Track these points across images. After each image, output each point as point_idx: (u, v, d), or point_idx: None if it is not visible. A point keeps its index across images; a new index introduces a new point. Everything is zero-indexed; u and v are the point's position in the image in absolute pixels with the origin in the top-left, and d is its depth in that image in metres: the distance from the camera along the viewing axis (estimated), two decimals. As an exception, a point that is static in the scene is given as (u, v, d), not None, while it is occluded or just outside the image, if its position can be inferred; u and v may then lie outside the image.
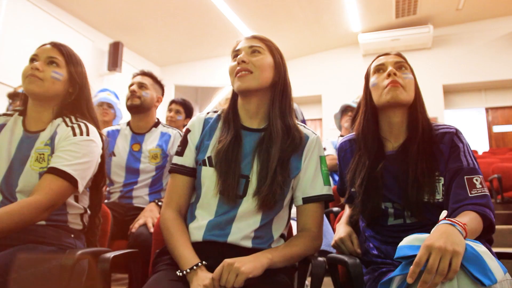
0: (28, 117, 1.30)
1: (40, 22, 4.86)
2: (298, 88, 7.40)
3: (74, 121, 1.29)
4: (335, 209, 2.15)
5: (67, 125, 1.27)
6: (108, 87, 4.13)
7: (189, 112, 3.01)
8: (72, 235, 1.25)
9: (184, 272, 1.02)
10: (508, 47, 6.23)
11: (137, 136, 1.99)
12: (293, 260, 1.11)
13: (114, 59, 5.71)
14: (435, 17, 6.44)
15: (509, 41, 6.25)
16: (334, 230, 1.52)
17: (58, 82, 1.27)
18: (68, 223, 1.26)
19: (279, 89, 1.21)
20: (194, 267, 1.02)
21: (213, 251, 1.10)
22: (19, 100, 2.12)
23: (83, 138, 1.23)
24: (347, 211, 1.42)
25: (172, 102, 2.94)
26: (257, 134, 1.20)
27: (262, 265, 1.00)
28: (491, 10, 6.16)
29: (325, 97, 7.29)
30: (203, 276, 0.99)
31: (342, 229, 1.31)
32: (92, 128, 1.28)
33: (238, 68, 1.17)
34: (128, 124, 2.05)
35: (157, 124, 2.06)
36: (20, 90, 2.18)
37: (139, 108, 1.95)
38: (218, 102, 2.15)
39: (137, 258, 1.30)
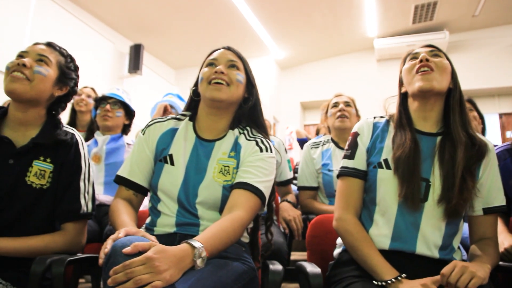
0: (201, 124, 1.25)
1: (64, 23, 4.74)
2: (312, 92, 7.43)
3: (251, 134, 1.25)
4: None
5: (247, 138, 1.22)
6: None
7: None
8: (243, 249, 1.21)
9: (389, 281, 1.00)
10: (522, 53, 6.37)
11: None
12: None
13: (136, 61, 5.60)
14: (450, 23, 6.54)
15: (523, 47, 6.40)
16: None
17: (241, 85, 1.23)
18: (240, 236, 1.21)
19: (456, 98, 1.20)
20: (399, 277, 1.00)
21: (399, 260, 1.08)
22: (107, 104, 2.06)
23: (269, 155, 1.20)
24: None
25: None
26: (433, 138, 1.19)
27: (488, 274, 0.99)
28: (507, 17, 6.30)
29: (339, 101, 7.27)
30: (413, 283, 0.98)
31: (509, 237, 1.30)
32: (271, 144, 1.24)
33: (419, 64, 1.16)
34: None
35: None
36: (108, 93, 2.10)
37: None
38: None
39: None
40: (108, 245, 0.83)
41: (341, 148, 2.11)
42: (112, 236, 0.87)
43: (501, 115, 6.67)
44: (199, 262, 0.87)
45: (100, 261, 0.83)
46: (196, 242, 0.89)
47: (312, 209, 2.01)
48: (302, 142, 3.96)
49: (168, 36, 6.23)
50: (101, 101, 2.08)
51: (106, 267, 0.80)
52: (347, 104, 2.16)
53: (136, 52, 5.67)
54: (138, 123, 2.26)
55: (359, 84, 6.94)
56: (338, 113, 2.13)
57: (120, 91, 2.14)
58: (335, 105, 2.19)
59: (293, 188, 2.33)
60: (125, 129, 2.17)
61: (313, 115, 7.78)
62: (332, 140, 2.18)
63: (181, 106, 2.87)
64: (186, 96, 3.51)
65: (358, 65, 7.28)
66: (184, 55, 6.97)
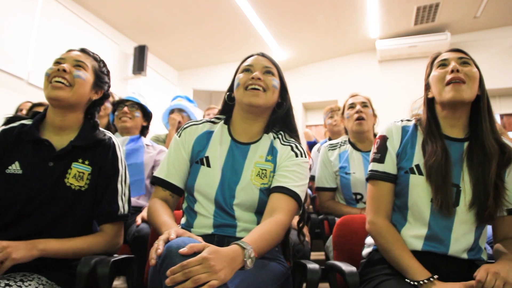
0: (236, 127, 1.28)
1: (70, 24, 4.74)
2: (315, 93, 7.45)
3: (286, 138, 1.27)
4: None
5: (282, 143, 1.25)
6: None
7: None
8: (276, 249, 1.23)
9: (421, 282, 1.02)
10: (523, 54, 6.42)
11: None
12: None
13: (140, 62, 5.59)
14: (452, 25, 6.59)
15: (524, 48, 6.45)
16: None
17: (276, 91, 1.25)
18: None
19: (485, 105, 1.22)
20: (431, 279, 1.02)
21: (431, 261, 1.11)
22: (124, 106, 2.07)
23: (304, 160, 1.23)
24: None
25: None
26: (461, 143, 1.22)
27: None
28: (508, 18, 6.35)
29: (341, 102, 7.26)
30: (445, 286, 1.00)
31: None
32: (304, 148, 1.26)
33: (451, 76, 1.17)
34: None
35: None
36: (125, 97, 2.11)
37: None
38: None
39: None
40: (160, 246, 0.85)
41: (359, 150, 2.12)
42: (163, 237, 0.88)
43: (502, 116, 6.73)
44: (249, 262, 0.90)
45: (153, 261, 0.84)
46: (246, 244, 0.92)
47: (334, 210, 2.02)
48: (311, 145, 3.96)
49: (172, 38, 6.24)
50: (118, 104, 2.10)
51: (161, 267, 0.82)
52: (364, 105, 2.14)
53: (140, 53, 5.67)
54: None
55: (361, 85, 6.96)
56: (356, 115, 2.10)
57: (136, 94, 2.16)
58: (352, 106, 2.17)
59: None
60: (143, 131, 2.19)
61: (315, 116, 7.81)
62: (349, 142, 2.18)
63: (190, 108, 2.89)
64: (189, 97, 3.48)
65: (360, 66, 7.31)
66: (187, 57, 6.98)
